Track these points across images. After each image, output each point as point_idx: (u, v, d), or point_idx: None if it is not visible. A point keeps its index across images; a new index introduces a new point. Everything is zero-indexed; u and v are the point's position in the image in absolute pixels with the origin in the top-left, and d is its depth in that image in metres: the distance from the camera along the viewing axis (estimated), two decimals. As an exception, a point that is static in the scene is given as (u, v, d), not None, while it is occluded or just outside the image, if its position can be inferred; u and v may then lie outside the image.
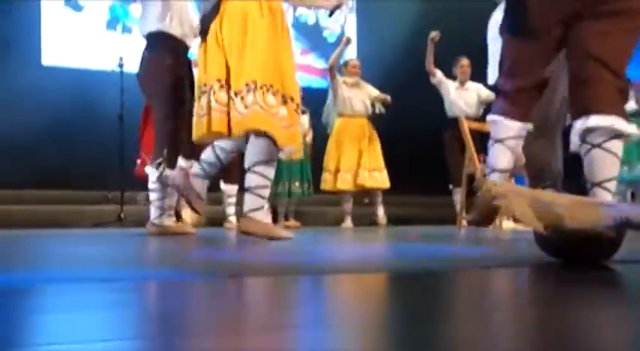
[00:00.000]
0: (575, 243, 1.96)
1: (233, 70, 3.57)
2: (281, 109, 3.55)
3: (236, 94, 3.52)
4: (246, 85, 3.51)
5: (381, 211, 7.59)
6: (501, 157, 3.03)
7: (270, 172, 3.63)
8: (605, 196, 2.82)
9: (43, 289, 1.55)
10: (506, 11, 3.13)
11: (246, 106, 3.49)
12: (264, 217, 3.64)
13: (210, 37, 3.66)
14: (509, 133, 3.01)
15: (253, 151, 3.59)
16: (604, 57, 2.78)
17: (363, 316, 1.16)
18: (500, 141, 3.03)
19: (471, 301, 1.38)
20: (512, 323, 1.07)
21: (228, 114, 3.56)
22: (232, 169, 6.12)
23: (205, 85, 3.63)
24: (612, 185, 2.82)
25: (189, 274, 1.88)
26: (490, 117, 3.09)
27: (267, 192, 3.64)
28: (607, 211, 1.97)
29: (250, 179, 3.60)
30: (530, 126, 3.09)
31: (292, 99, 3.61)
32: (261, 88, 3.51)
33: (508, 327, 1.02)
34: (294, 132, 3.63)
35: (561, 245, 2.03)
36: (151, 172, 4.76)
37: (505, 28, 3.11)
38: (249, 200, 3.59)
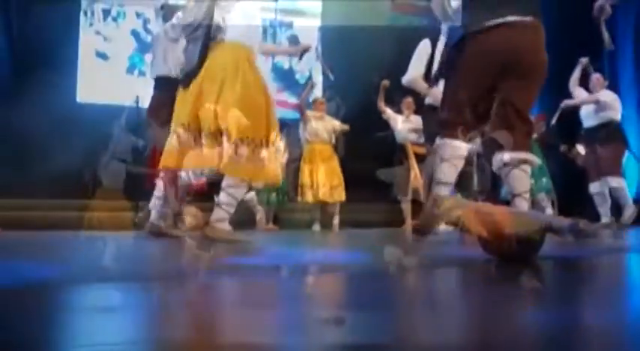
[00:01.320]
0: (509, 244, 2.02)
1: (213, 112, 3.46)
2: (263, 152, 3.48)
3: (229, 139, 3.42)
4: (240, 139, 3.42)
5: (336, 220, 7.69)
6: (450, 172, 3.11)
7: (239, 193, 3.60)
8: (523, 203, 3.04)
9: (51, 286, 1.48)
10: (448, 63, 3.24)
11: (238, 155, 3.41)
12: (226, 226, 3.58)
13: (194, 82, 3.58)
14: (455, 152, 3.10)
15: (227, 181, 3.55)
16: (521, 109, 3.00)
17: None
18: (447, 160, 3.11)
19: (431, 293, 1.41)
20: (461, 309, 1.10)
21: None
22: None
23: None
24: (527, 195, 3.06)
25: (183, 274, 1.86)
26: (439, 141, 3.17)
27: (232, 208, 3.58)
28: (533, 219, 2.05)
29: (222, 196, 3.56)
30: (473, 147, 3.21)
31: (273, 143, 3.54)
32: (251, 142, 3.43)
33: (460, 312, 1.06)
34: (272, 168, 3.56)
35: (498, 246, 2.09)
36: (157, 184, 4.80)
37: (447, 76, 3.23)
38: (217, 213, 3.55)
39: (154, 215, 4.77)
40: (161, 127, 4.72)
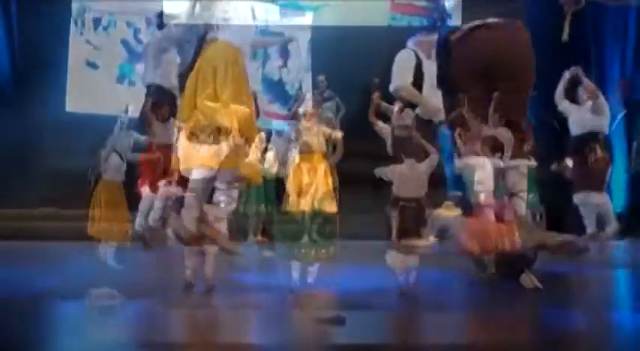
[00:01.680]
0: (504, 259, 2.02)
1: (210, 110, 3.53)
2: (250, 149, 3.73)
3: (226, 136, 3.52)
4: (237, 135, 3.55)
5: (326, 230, 7.56)
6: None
7: (233, 192, 3.68)
8: (520, 202, 3.01)
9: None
10: (439, 68, 3.29)
11: (236, 147, 3.53)
12: (223, 228, 3.61)
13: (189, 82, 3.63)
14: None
15: (221, 177, 3.61)
16: (516, 120, 3.00)
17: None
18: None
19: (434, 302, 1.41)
20: (466, 317, 1.10)
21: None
22: None
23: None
24: (524, 195, 3.04)
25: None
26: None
27: (229, 208, 3.65)
28: (527, 236, 2.04)
29: (217, 197, 3.63)
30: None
31: (254, 140, 3.79)
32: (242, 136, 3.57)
33: (462, 319, 1.06)
34: (253, 164, 3.74)
35: (495, 260, 2.09)
36: (144, 191, 4.82)
37: (440, 83, 3.28)
38: (215, 212, 3.59)
39: (144, 224, 4.75)
40: (162, 123, 4.81)
